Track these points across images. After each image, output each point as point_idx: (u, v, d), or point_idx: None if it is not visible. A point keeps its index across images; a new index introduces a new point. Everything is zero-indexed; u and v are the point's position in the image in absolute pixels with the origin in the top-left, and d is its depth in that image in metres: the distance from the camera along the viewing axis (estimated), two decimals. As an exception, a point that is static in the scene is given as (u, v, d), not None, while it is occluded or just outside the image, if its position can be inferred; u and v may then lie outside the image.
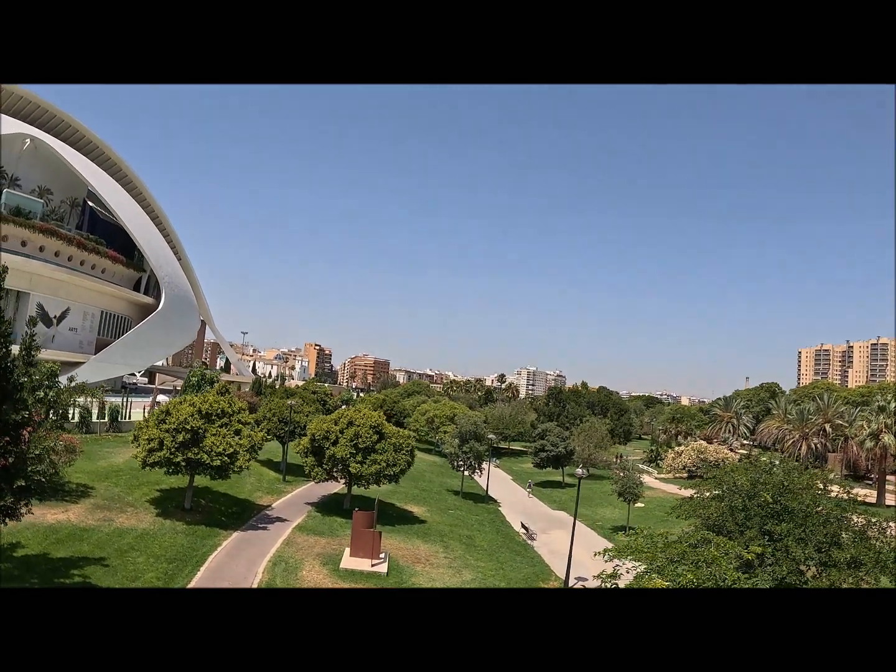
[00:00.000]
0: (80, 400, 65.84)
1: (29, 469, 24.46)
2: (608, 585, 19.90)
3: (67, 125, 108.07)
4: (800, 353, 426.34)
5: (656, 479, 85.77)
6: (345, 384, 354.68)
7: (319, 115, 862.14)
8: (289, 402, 63.20)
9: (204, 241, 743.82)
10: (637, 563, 22.40)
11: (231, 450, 40.89)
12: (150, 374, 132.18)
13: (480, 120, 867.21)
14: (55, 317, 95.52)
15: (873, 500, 72.56)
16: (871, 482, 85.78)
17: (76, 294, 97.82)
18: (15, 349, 24.33)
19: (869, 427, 76.26)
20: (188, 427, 40.29)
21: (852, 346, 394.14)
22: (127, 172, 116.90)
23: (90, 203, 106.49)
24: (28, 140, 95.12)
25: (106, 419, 64.46)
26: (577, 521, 57.95)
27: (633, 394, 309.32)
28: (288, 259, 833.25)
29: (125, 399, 70.15)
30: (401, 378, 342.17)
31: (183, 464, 40.43)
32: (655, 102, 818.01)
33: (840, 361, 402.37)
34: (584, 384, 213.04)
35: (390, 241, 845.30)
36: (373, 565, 37.14)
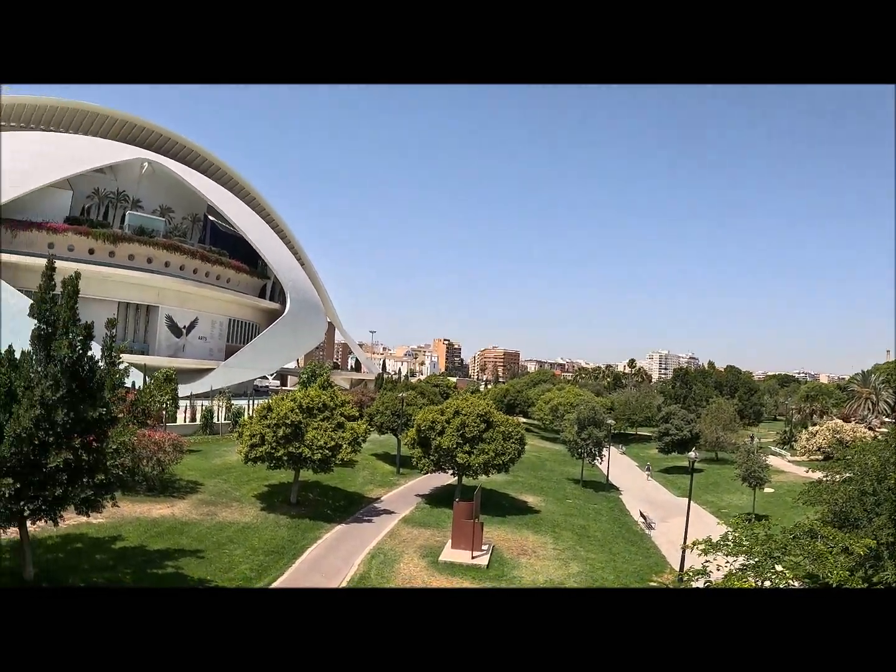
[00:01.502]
0: (206, 403, 68.60)
1: (108, 463, 24.71)
2: (695, 584, 18.26)
3: (182, 146, 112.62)
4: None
5: (789, 461, 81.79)
6: (475, 377, 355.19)
7: (445, 111, 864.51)
8: (400, 394, 62.85)
9: (330, 246, 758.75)
10: (733, 559, 20.55)
11: (332, 443, 40.63)
12: (282, 376, 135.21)
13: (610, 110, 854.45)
14: (184, 327, 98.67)
15: None
16: None
17: (203, 304, 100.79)
18: (98, 351, 25.13)
19: None
20: (289, 422, 40.27)
21: None
22: (244, 185, 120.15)
23: (211, 217, 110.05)
24: (146, 164, 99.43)
25: (230, 420, 65.79)
26: (702, 509, 55.98)
27: (767, 373, 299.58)
28: (415, 256, 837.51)
29: (250, 401, 71.89)
30: (531, 368, 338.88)
31: (285, 458, 40.48)
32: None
33: None
34: (712, 364, 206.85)
35: (519, 234, 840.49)
36: (473, 558, 35.97)
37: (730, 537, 21.53)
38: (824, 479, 37.13)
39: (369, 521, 42.64)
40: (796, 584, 18.24)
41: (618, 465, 75.83)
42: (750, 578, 18.35)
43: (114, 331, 26.33)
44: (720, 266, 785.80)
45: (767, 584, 18.06)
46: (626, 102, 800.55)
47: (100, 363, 25.29)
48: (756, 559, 19.47)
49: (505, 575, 34.64)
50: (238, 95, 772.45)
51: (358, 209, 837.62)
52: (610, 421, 68.61)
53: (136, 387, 53.13)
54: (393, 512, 45.20)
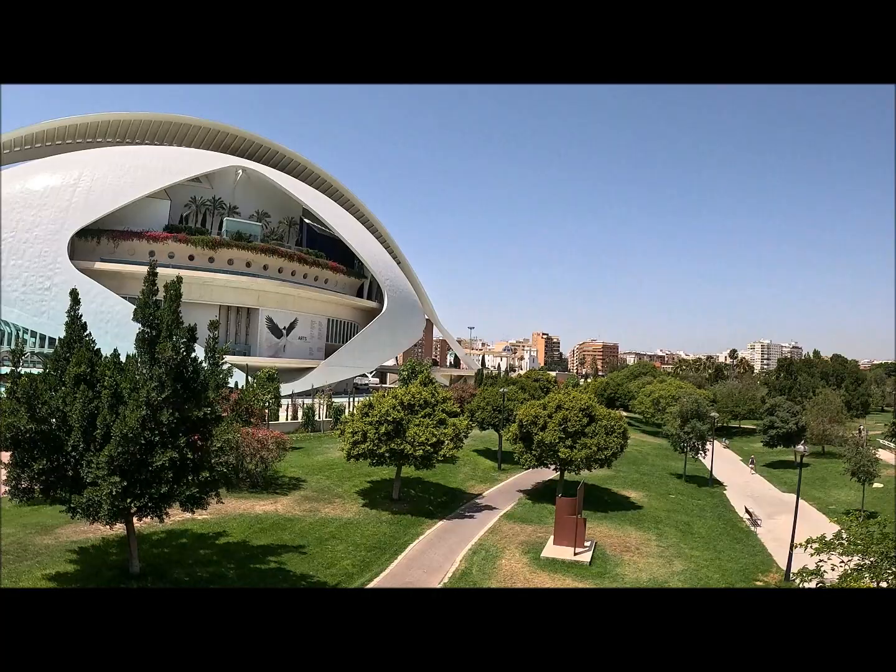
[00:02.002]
0: (307, 401, 69.72)
1: (213, 461, 25.25)
2: (808, 585, 17.57)
3: (275, 152, 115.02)
4: None
5: (899, 455, 78.88)
6: (574, 371, 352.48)
7: (536, 108, 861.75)
8: (501, 389, 62.65)
9: (427, 244, 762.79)
10: (848, 558, 19.68)
11: (434, 439, 40.81)
12: (381, 374, 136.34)
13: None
14: (284, 328, 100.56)
15: None
16: None
17: (302, 305, 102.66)
18: (200, 353, 25.80)
19: None
20: (390, 419, 40.58)
21: None
22: (337, 186, 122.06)
23: (306, 220, 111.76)
24: (241, 171, 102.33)
25: (331, 417, 66.77)
26: (808, 505, 54.40)
27: (874, 362, 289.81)
28: (512, 251, 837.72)
29: (350, 399, 72.85)
30: (630, 361, 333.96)
31: (387, 455, 40.81)
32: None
33: None
34: (816, 353, 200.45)
35: (616, 226, 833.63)
36: (576, 554, 35.51)
37: (843, 536, 20.62)
38: None
39: (471, 517, 42.56)
40: None
41: (721, 459, 74.21)
42: (866, 579, 17.58)
43: (216, 332, 26.86)
44: (823, 250, 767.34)
45: (884, 584, 17.28)
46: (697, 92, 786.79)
47: (203, 364, 26.04)
48: (872, 559, 18.63)
49: (608, 572, 34.07)
50: (321, 91, 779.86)
51: (457, 205, 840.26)
52: (714, 413, 67.01)
53: (240, 387, 54.26)
54: (494, 508, 44.99)
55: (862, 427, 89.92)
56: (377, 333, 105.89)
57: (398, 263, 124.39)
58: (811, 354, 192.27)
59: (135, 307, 24.87)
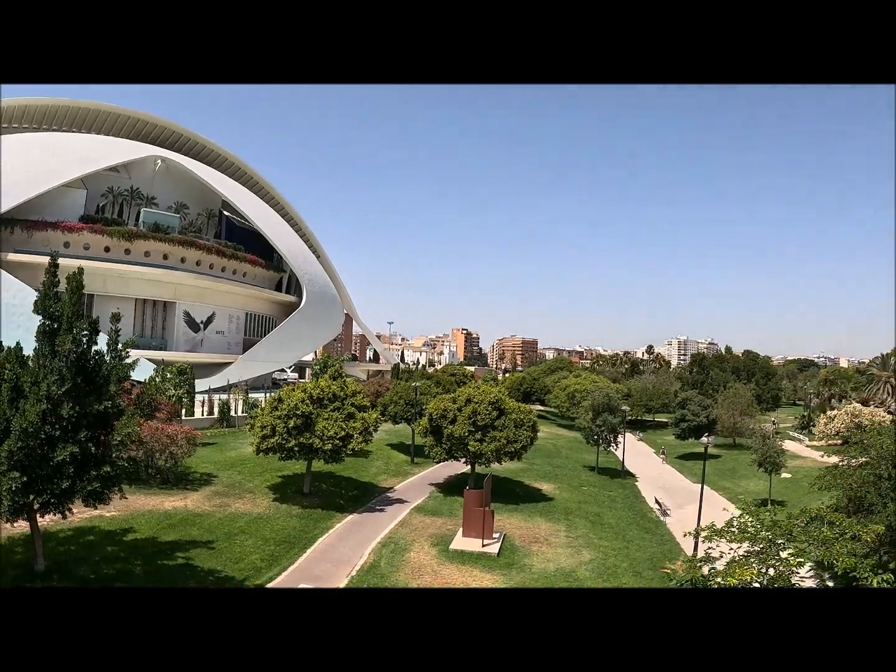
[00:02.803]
0: (224, 396, 69.14)
1: (114, 455, 25.04)
2: (699, 574, 18.07)
3: (195, 142, 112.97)
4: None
5: (807, 446, 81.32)
6: (494, 366, 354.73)
7: (463, 105, 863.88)
8: (414, 384, 62.99)
9: (346, 238, 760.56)
10: (737, 545, 20.37)
11: (343, 433, 40.85)
12: (300, 369, 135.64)
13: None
14: (202, 322, 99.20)
15: None
16: None
17: (220, 299, 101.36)
18: (103, 344, 25.61)
19: None
20: (299, 413, 40.48)
21: None
22: (258, 179, 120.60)
23: (225, 212, 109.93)
24: (159, 161, 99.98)
25: (247, 413, 66.41)
26: (718, 495, 55.95)
27: (787, 358, 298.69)
28: (431, 247, 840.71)
29: (267, 394, 72.35)
30: (550, 356, 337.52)
31: (296, 449, 40.73)
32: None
33: None
34: (728, 349, 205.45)
35: (535, 221, 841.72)
36: (484, 546, 35.99)
37: (735, 523, 21.31)
38: (840, 463, 36.78)
39: (381, 510, 42.78)
40: (801, 571, 18.02)
41: (635, 451, 75.67)
42: (754, 565, 18.19)
43: (118, 325, 26.61)
44: (740, 251, 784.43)
45: (771, 571, 17.90)
46: (640, 92, 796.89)
47: (107, 357, 25.74)
48: (760, 545, 19.29)
49: (516, 563, 34.61)
50: (244, 89, 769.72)
51: (375, 200, 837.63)
52: (625, 407, 68.38)
53: (156, 381, 53.78)
54: (406, 501, 45.30)
55: (774, 420, 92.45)
56: (295, 328, 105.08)
57: (317, 257, 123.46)
58: (723, 351, 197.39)
59: (34, 299, 24.60)
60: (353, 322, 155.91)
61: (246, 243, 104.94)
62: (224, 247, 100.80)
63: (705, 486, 59.66)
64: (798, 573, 17.45)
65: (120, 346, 26.28)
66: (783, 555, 18.39)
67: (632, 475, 64.09)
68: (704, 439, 43.90)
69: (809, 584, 15.36)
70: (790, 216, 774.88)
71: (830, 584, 16.49)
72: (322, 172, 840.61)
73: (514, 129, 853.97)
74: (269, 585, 28.94)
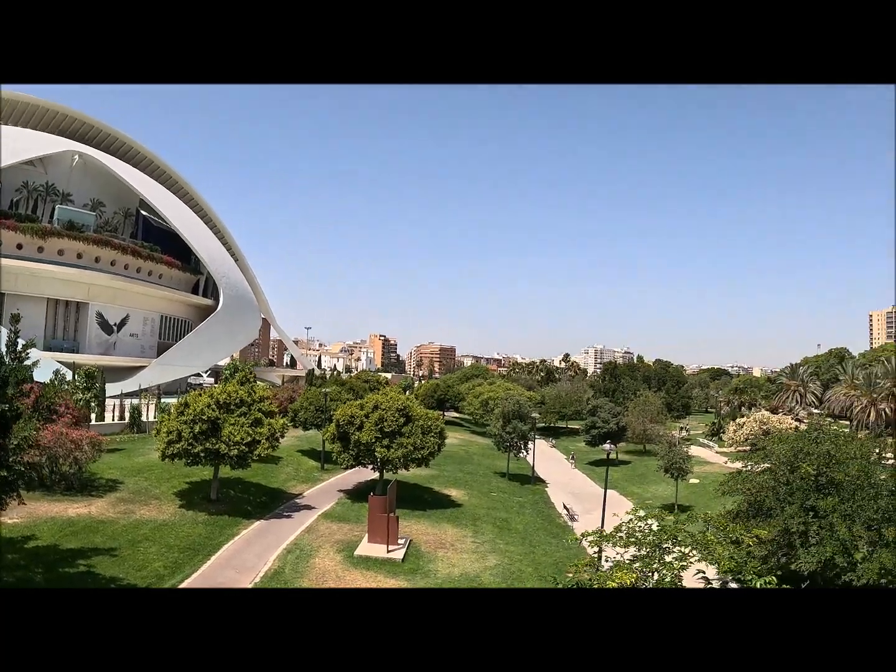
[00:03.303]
0: (135, 401, 68.06)
1: (11, 459, 24.66)
2: (586, 577, 18.36)
3: (115, 138, 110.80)
4: (871, 316, 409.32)
5: (717, 452, 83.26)
6: (412, 373, 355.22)
7: (371, 109, 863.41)
8: (324, 390, 62.94)
9: (265, 242, 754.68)
10: (623, 550, 20.77)
11: (249, 438, 40.57)
12: (216, 373, 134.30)
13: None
14: (115, 324, 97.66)
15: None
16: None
17: (134, 301, 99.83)
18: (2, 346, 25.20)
19: (938, 388, 72.38)
20: (205, 417, 40.12)
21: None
22: (177, 179, 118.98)
23: (143, 212, 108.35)
24: (77, 156, 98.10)
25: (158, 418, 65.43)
26: (627, 500, 56.96)
27: (702, 367, 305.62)
28: (351, 252, 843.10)
29: (179, 399, 71.41)
30: (468, 364, 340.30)
31: (202, 454, 40.28)
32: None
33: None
34: (640, 358, 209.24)
35: (455, 229, 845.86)
36: (389, 551, 36.22)
37: (623, 529, 21.73)
38: (743, 468, 37.92)
39: (289, 516, 42.64)
40: (684, 574, 18.54)
41: (547, 458, 76.68)
42: (638, 569, 18.57)
43: (18, 326, 26.27)
44: (659, 261, 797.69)
45: (656, 576, 18.34)
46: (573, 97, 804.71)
47: (5, 359, 25.27)
48: (646, 550, 19.70)
49: (420, 568, 34.92)
50: (173, 91, 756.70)
51: (296, 205, 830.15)
52: (534, 414, 69.26)
53: (66, 384, 52.89)
54: (313, 507, 45.15)
55: (684, 427, 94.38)
56: (211, 332, 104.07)
57: (236, 260, 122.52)
58: (635, 359, 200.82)
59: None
60: (271, 327, 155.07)
61: (163, 244, 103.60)
62: (140, 247, 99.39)
63: (615, 491, 61.09)
64: (680, 576, 17.92)
65: (20, 346, 25.93)
66: (668, 558, 18.81)
67: (542, 481, 64.89)
68: (606, 446, 45.04)
69: (694, 585, 15.84)
70: (708, 227, 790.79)
71: (715, 585, 17.01)
72: (240, 175, 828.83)
73: (434, 134, 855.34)
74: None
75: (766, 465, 35.92)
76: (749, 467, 37.48)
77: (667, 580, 17.06)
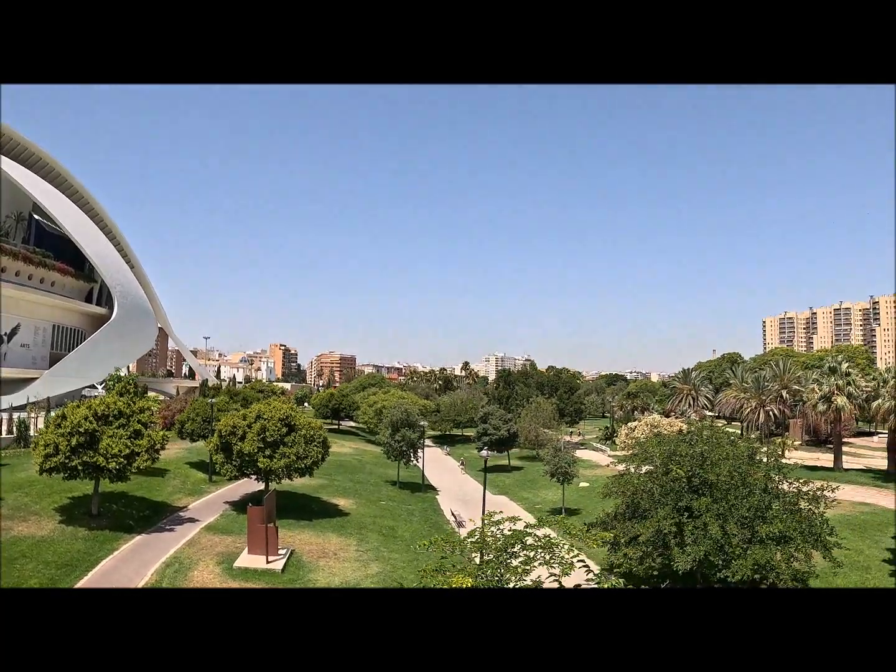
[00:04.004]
0: (23, 415, 66.53)
1: None
2: (431, 582, 18.48)
3: (9, 138, 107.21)
4: (764, 322, 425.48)
5: (609, 456, 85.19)
6: (312, 382, 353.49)
7: (276, 117, 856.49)
8: (209, 400, 62.65)
9: (165, 251, 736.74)
10: (475, 555, 21.12)
11: (128, 451, 40.01)
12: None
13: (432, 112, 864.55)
14: (5, 334, 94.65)
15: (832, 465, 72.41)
16: (832, 446, 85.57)
17: (25, 309, 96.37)
18: None
19: (820, 390, 74.82)
20: (82, 430, 39.27)
21: (815, 313, 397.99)
22: (73, 183, 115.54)
23: (36, 216, 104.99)
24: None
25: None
26: (517, 505, 58.20)
27: (601, 373, 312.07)
28: (252, 261, 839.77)
29: (57, 411, 69.98)
30: (368, 373, 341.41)
31: (80, 467, 39.42)
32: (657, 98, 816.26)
33: (804, 329, 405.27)
34: (533, 365, 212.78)
35: (355, 239, 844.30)
36: (269, 562, 36.32)
37: (476, 535, 22.08)
38: (624, 472, 38.62)
39: (171, 530, 42.28)
40: (528, 578, 18.90)
41: (440, 465, 77.48)
42: (481, 575, 18.88)
43: None
44: (561, 269, 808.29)
45: (497, 578, 18.66)
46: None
47: None
48: (493, 555, 20.12)
49: (300, 578, 35.15)
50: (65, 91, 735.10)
51: (194, 212, 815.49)
52: (422, 423, 69.95)
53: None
54: (197, 520, 44.88)
55: (577, 431, 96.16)
56: (106, 342, 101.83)
57: (132, 268, 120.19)
58: (528, 366, 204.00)
59: None
60: (170, 337, 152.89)
61: (56, 250, 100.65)
62: (32, 253, 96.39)
63: (505, 497, 62.28)
64: (525, 580, 18.29)
65: None
66: (514, 562, 19.21)
67: (433, 489, 65.75)
68: (484, 452, 45.82)
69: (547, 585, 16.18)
70: (613, 234, 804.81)
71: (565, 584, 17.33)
72: (137, 181, 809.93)
73: (331, 141, 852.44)
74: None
75: (648, 467, 36.84)
76: (631, 470, 38.15)
77: (510, 585, 17.37)
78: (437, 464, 72.71)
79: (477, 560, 20.42)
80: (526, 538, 20.62)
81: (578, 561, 16.54)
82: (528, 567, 18.43)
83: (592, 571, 14.92)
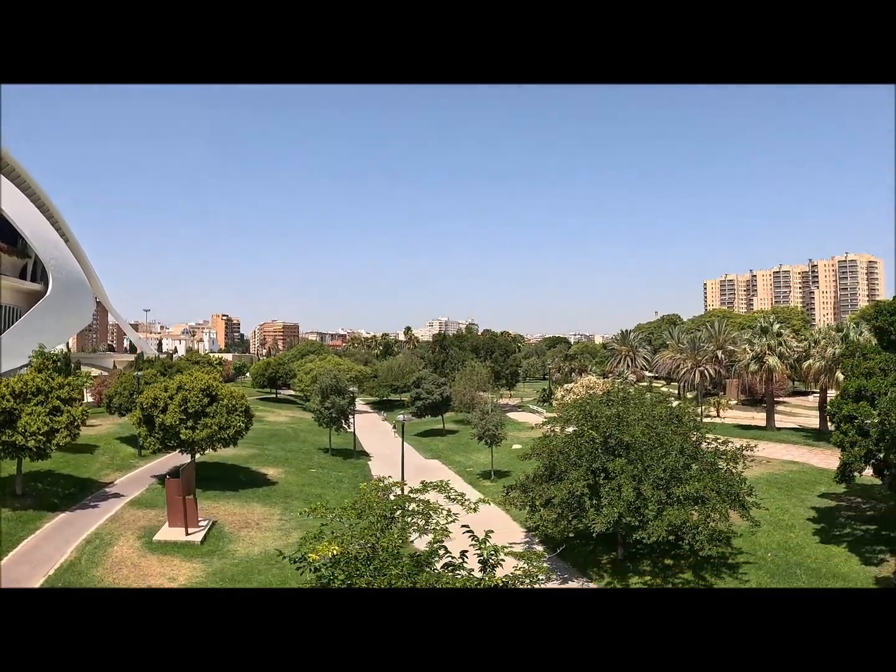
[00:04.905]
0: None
1: None
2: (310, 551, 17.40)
3: None
4: (705, 284, 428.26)
5: (545, 418, 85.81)
6: (255, 352, 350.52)
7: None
8: (134, 373, 62.35)
9: (104, 223, 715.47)
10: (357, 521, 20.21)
11: (47, 428, 39.55)
12: (55, 362, 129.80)
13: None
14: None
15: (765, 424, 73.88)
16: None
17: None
18: None
19: (752, 350, 75.65)
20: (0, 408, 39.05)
21: (755, 276, 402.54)
22: (3, 156, 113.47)
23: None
24: None
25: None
26: (448, 469, 58.94)
27: (546, 335, 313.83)
28: (193, 231, 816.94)
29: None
30: (310, 340, 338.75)
31: (-1, 447, 39.19)
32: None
33: (745, 291, 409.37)
34: (469, 328, 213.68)
35: (296, 200, 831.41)
36: (189, 534, 36.42)
37: (360, 503, 21.12)
38: (548, 434, 38.74)
39: (96, 506, 42.19)
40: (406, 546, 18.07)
41: (377, 431, 77.96)
42: (351, 541, 18.05)
43: None
44: (508, 231, 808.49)
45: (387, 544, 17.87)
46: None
47: None
48: (374, 520, 19.44)
49: (219, 549, 35.43)
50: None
51: (133, 182, 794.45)
52: (352, 389, 70.16)
53: None
54: (123, 495, 44.72)
55: (508, 394, 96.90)
56: (41, 318, 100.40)
57: (66, 241, 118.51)
58: (464, 330, 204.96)
59: None
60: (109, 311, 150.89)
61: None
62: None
63: (437, 461, 62.97)
64: (399, 545, 17.56)
65: None
66: (394, 528, 18.82)
67: (366, 454, 66.36)
68: (400, 417, 46.42)
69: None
70: (557, 200, 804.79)
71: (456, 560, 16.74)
72: (68, 152, 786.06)
73: (267, 110, 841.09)
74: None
75: (573, 429, 36.79)
76: (557, 431, 38.22)
77: (387, 551, 16.79)
78: (372, 429, 73.16)
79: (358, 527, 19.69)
80: (409, 504, 20.62)
81: (463, 526, 16.15)
82: (404, 536, 17.98)
83: (477, 538, 15.00)
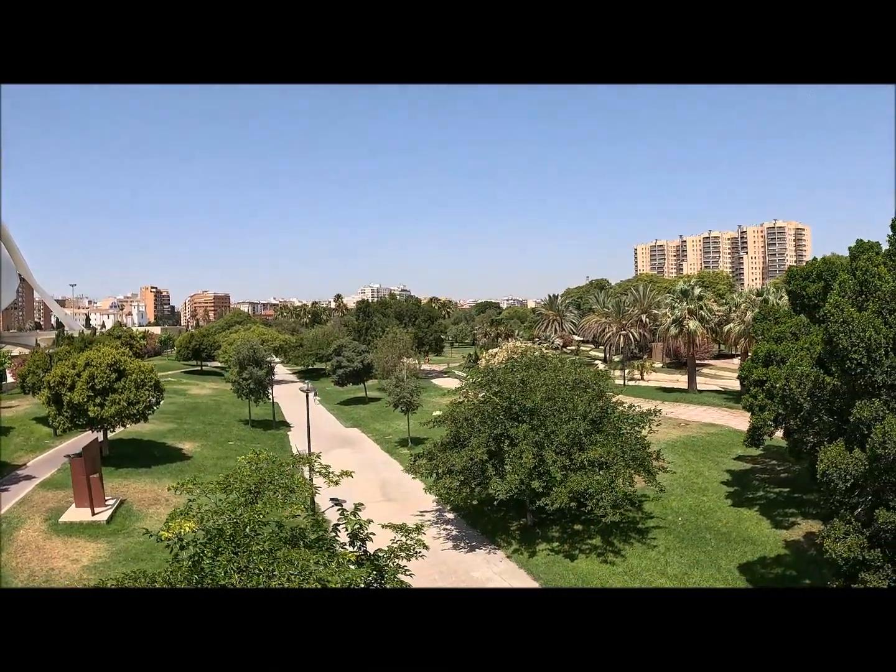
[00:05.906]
0: None
1: None
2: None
3: None
4: (636, 249, 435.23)
5: (461, 384, 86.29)
6: (186, 324, 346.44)
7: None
8: (47, 351, 61.63)
9: (18, 195, 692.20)
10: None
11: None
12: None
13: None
14: None
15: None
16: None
17: None
18: None
19: (673, 314, 77.29)
20: None
21: (685, 241, 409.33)
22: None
23: None
24: None
25: None
26: (367, 437, 59.46)
27: (478, 300, 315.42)
28: (118, 203, 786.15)
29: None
30: (241, 311, 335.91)
31: None
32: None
33: (675, 256, 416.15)
34: (393, 295, 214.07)
35: (233, 176, 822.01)
36: (95, 514, 36.03)
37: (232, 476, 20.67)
38: (457, 400, 39.53)
39: (6, 489, 41.42)
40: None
41: (300, 400, 77.57)
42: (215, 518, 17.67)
43: None
44: (437, 197, 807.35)
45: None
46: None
47: None
48: (238, 495, 18.92)
49: (125, 528, 35.11)
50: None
51: (60, 149, 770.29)
52: (270, 358, 70.12)
53: None
54: (34, 477, 44.14)
55: (426, 360, 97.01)
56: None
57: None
58: (393, 296, 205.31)
59: None
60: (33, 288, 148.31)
61: None
62: None
63: (357, 429, 63.37)
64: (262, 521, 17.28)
65: None
66: (259, 504, 18.32)
67: (287, 424, 66.63)
68: (302, 385, 47.01)
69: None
70: (489, 170, 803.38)
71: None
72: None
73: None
74: None
75: (484, 394, 37.15)
76: (469, 396, 38.80)
77: (247, 529, 16.37)
78: (295, 399, 72.57)
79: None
80: (277, 478, 20.43)
81: (332, 499, 16.14)
82: (266, 511, 17.66)
83: (345, 511, 15.13)
